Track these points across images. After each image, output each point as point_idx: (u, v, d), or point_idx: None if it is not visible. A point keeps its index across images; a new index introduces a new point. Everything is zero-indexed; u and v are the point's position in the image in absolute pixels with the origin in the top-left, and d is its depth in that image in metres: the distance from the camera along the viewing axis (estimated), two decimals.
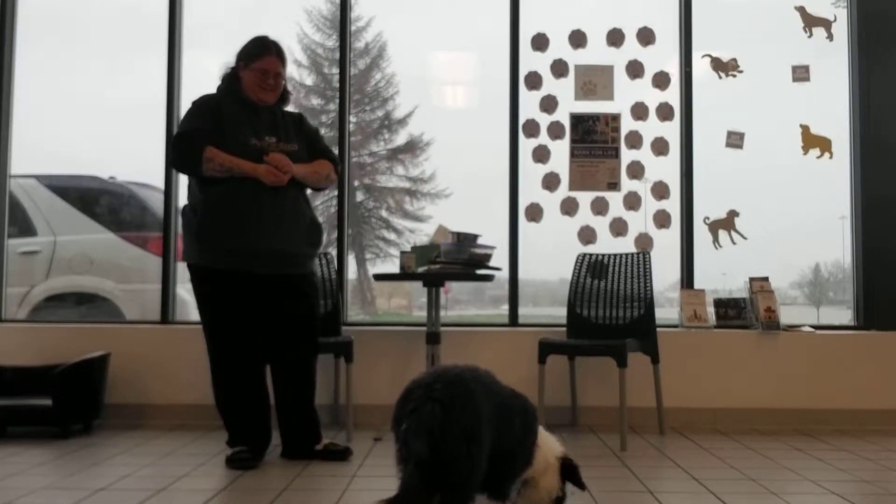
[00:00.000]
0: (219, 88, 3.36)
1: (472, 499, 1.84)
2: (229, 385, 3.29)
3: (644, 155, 4.62)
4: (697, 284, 4.54)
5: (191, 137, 3.15)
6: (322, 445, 3.38)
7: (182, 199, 4.64)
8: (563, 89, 4.65)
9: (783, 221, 4.68)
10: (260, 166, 3.16)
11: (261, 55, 3.31)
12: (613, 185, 4.61)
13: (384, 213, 6.23)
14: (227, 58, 3.41)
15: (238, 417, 3.30)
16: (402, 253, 4.00)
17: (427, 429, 1.76)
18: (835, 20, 4.69)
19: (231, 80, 3.34)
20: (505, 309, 4.56)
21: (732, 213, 4.61)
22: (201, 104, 3.27)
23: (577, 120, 4.64)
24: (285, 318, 3.34)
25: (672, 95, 4.65)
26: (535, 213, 4.61)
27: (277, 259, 3.26)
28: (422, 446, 1.75)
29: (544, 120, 4.64)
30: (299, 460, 3.30)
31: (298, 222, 3.32)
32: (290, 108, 3.56)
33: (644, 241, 4.58)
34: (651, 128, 4.63)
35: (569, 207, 4.61)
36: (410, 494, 1.73)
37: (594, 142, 4.63)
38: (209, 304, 3.27)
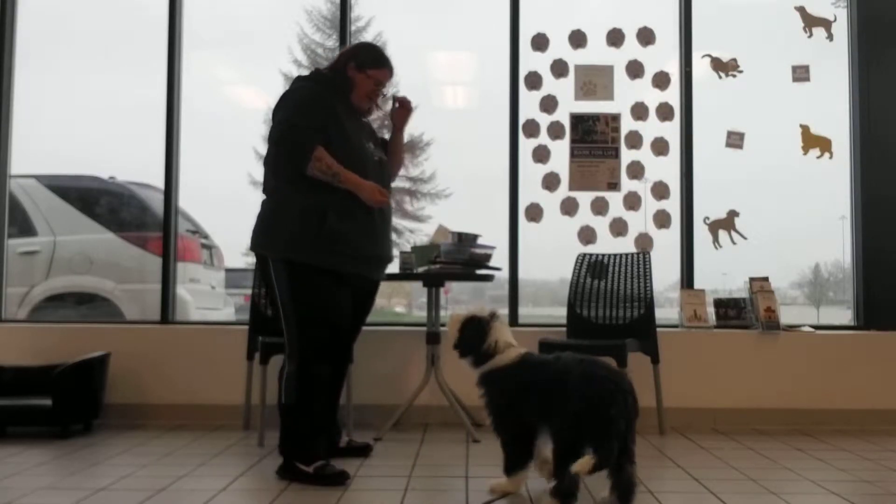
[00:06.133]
0: (320, 82, 3.13)
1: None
2: (320, 391, 3.05)
3: (644, 155, 4.62)
4: (697, 284, 4.54)
5: (305, 132, 2.95)
6: (344, 442, 3.40)
7: (182, 199, 4.67)
8: (563, 89, 4.65)
9: (783, 221, 4.68)
10: (366, 183, 3.00)
11: (381, 66, 3.17)
12: (613, 185, 4.61)
13: None
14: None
15: (319, 427, 3.07)
16: (402, 253, 4.00)
17: (627, 415, 2.47)
18: (835, 20, 4.69)
19: (343, 80, 3.14)
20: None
21: (732, 213, 4.61)
22: (313, 98, 3.02)
23: (577, 120, 4.64)
24: (360, 320, 3.33)
25: (672, 95, 4.65)
26: (535, 213, 4.60)
27: (386, 263, 3.30)
28: (623, 425, 2.45)
29: (544, 120, 4.64)
30: None
31: (391, 228, 3.32)
32: None
33: (644, 241, 4.58)
34: (651, 128, 4.63)
35: (569, 207, 4.61)
36: (612, 458, 2.42)
37: (594, 142, 4.63)
38: (316, 305, 3.01)
